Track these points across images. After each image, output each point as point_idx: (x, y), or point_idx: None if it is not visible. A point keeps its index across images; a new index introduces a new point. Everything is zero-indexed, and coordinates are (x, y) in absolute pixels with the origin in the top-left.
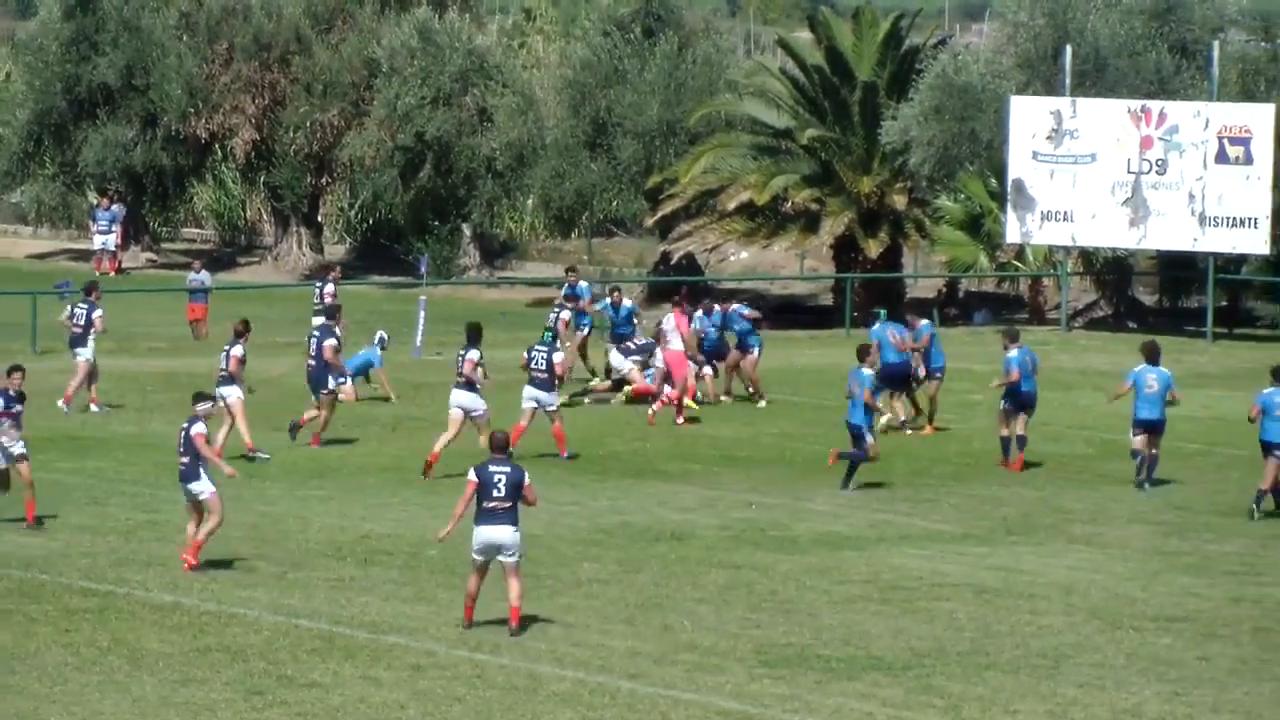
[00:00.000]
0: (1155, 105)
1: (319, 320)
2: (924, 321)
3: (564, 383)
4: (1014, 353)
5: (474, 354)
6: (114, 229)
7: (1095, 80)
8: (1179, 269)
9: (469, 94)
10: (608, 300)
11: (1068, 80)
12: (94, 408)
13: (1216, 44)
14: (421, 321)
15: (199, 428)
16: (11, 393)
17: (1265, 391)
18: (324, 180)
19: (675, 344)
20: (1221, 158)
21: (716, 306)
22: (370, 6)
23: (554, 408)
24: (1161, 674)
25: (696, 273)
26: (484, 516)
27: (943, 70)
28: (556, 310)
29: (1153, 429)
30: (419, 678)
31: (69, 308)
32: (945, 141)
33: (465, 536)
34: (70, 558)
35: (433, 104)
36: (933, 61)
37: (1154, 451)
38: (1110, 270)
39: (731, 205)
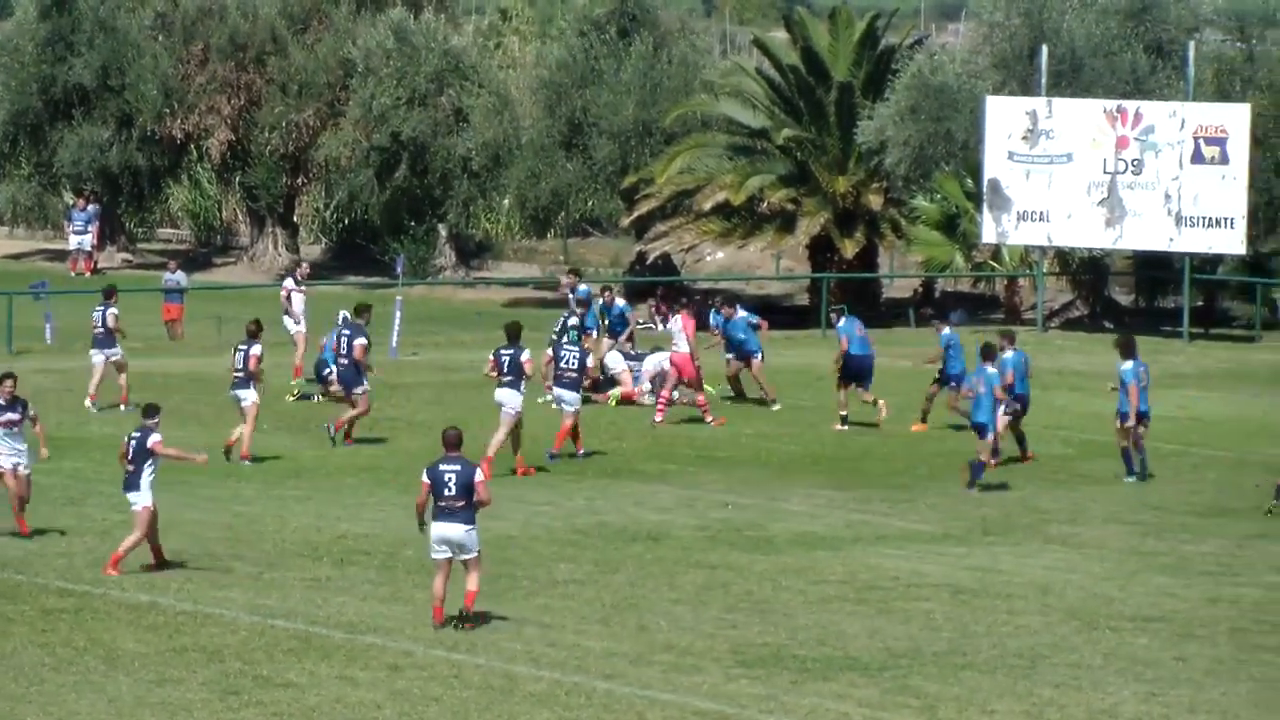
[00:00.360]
0: (1131, 105)
1: (344, 316)
2: (946, 330)
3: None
4: (1009, 354)
5: (527, 353)
6: (90, 229)
7: (1071, 80)
8: (1155, 269)
9: (444, 94)
10: (600, 300)
11: (1043, 80)
12: (88, 404)
13: (1192, 44)
14: (398, 322)
15: (156, 437)
16: (2, 401)
17: None
18: (300, 180)
19: (682, 346)
20: (1197, 158)
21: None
22: (346, 7)
23: (575, 408)
24: (1138, 674)
25: (672, 273)
26: (438, 514)
27: (918, 70)
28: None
29: (1144, 419)
30: (396, 678)
31: (98, 310)
32: (921, 141)
33: None
34: (47, 558)
35: (408, 104)
36: (908, 61)
37: (1141, 440)
38: (1086, 270)
39: (707, 205)
